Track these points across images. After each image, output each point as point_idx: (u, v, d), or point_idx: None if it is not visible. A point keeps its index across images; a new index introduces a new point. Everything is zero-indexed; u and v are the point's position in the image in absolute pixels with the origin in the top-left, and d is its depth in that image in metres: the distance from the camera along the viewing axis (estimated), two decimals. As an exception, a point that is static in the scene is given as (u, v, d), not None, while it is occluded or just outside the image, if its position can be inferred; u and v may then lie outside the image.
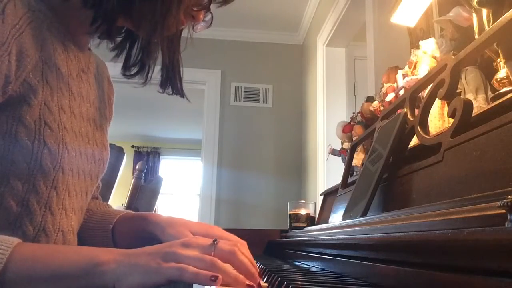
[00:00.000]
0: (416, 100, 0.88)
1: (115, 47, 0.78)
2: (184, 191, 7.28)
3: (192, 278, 0.49)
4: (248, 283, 0.53)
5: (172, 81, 0.80)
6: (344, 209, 0.99)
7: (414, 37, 1.70)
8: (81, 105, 0.71)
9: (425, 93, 0.86)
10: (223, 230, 0.77)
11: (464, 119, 0.62)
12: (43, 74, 0.62)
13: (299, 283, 0.54)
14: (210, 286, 0.50)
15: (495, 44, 0.77)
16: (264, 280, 0.63)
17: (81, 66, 0.73)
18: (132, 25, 0.70)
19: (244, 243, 0.70)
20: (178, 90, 0.81)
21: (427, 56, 1.19)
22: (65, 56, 0.67)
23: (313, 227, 1.39)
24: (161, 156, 7.47)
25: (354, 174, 1.46)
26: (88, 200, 0.77)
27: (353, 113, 1.91)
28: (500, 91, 0.80)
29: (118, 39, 0.78)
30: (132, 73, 0.78)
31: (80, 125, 0.70)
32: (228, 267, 0.53)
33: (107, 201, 1.47)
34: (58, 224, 0.66)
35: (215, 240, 0.56)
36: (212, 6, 0.77)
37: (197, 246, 0.54)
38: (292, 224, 1.73)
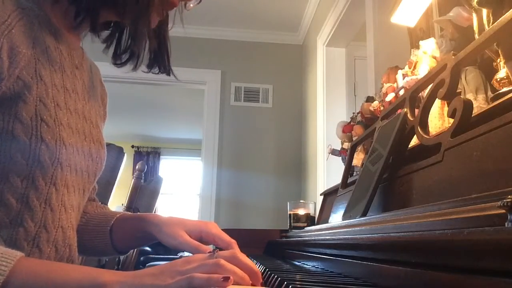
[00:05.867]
0: (416, 100, 0.88)
1: (106, 39, 0.78)
2: (184, 191, 7.28)
3: (203, 283, 0.49)
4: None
5: (159, 62, 0.80)
6: (344, 209, 0.99)
7: (414, 37, 1.70)
8: (77, 102, 0.71)
9: (425, 93, 0.86)
10: (218, 227, 0.78)
11: (464, 119, 0.62)
12: (36, 71, 0.62)
13: (299, 283, 0.54)
14: (221, 287, 0.50)
15: (495, 44, 0.77)
16: (264, 279, 0.63)
17: (75, 62, 0.73)
18: (117, 15, 0.71)
19: (235, 242, 0.73)
20: (165, 69, 0.81)
21: (427, 56, 1.19)
22: (58, 53, 0.68)
23: (313, 227, 1.39)
24: (161, 156, 7.47)
25: (354, 174, 1.46)
26: (85, 198, 0.77)
27: (353, 113, 1.91)
28: (500, 91, 0.80)
29: (106, 33, 0.78)
30: (122, 61, 0.78)
31: (76, 121, 0.70)
32: (234, 267, 0.54)
33: (107, 201, 1.47)
34: (58, 221, 0.66)
35: (214, 250, 0.57)
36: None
37: (198, 259, 0.54)
38: (292, 224, 1.73)
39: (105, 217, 0.85)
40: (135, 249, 2.00)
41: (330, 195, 1.62)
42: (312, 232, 1.19)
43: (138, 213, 0.87)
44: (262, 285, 0.58)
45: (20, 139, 0.59)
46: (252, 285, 0.55)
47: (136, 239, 0.84)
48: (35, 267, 0.51)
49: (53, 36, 0.67)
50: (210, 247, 0.71)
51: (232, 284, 0.51)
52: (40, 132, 0.61)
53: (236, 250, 0.68)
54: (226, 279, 0.50)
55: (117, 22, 0.78)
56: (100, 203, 0.93)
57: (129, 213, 0.90)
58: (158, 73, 0.81)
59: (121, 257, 2.12)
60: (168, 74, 0.81)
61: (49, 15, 0.67)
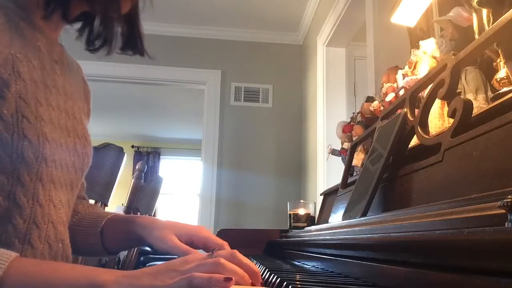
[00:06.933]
0: (416, 100, 0.88)
1: (80, 29, 0.79)
2: (184, 191, 7.28)
3: (204, 283, 0.48)
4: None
5: (132, 45, 0.80)
6: (344, 209, 0.99)
7: (414, 37, 1.70)
8: (58, 98, 0.71)
9: (425, 93, 0.86)
10: (208, 231, 0.78)
11: (464, 119, 0.62)
12: (14, 68, 0.62)
13: (299, 283, 0.54)
14: None
15: (495, 44, 0.77)
16: (264, 280, 0.63)
17: (54, 58, 0.73)
18: (87, 5, 0.72)
19: (226, 243, 0.74)
20: (138, 51, 0.81)
21: (427, 56, 1.19)
22: (36, 49, 0.68)
23: (313, 227, 1.39)
24: (161, 156, 7.47)
25: (354, 174, 1.46)
26: (74, 194, 0.77)
27: (353, 113, 1.91)
28: (500, 91, 0.80)
29: (79, 22, 0.79)
30: (96, 47, 0.79)
31: (59, 117, 0.70)
32: (234, 265, 0.53)
33: (107, 201, 1.47)
34: (47, 216, 0.66)
35: (213, 250, 0.57)
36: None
37: (196, 259, 0.54)
38: (292, 224, 1.73)
39: (95, 218, 0.85)
40: (135, 249, 2.00)
41: (330, 195, 1.62)
42: (312, 232, 1.19)
43: (130, 215, 0.87)
44: (262, 285, 0.58)
45: (2, 136, 0.59)
46: (252, 284, 0.55)
47: (126, 241, 0.84)
48: (30, 267, 0.51)
49: (31, 33, 0.68)
50: (201, 251, 0.71)
51: (228, 276, 0.50)
52: (21, 129, 0.60)
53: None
54: (228, 279, 0.49)
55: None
56: (92, 201, 0.92)
57: (121, 214, 0.90)
58: (132, 55, 0.81)
59: (121, 257, 2.12)
60: (142, 55, 0.82)
61: (26, 11, 0.68)
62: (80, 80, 0.86)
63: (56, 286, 0.49)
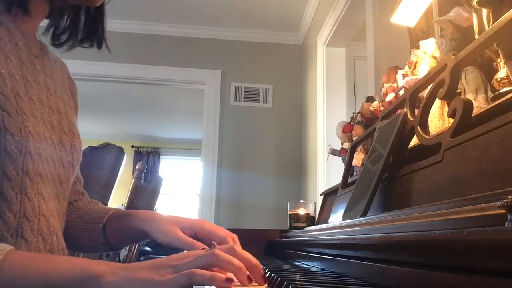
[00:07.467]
0: (416, 100, 0.88)
1: (48, 26, 0.80)
2: (184, 191, 7.28)
3: (204, 281, 0.47)
4: (249, 274, 0.54)
5: (91, 38, 0.82)
6: (344, 209, 0.99)
7: (414, 37, 1.70)
8: (40, 93, 0.71)
9: (425, 93, 0.86)
10: (211, 224, 0.78)
11: (464, 119, 0.62)
12: None
13: (299, 283, 0.54)
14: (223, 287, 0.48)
15: (495, 44, 0.77)
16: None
17: (33, 53, 0.73)
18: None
19: (235, 236, 0.73)
20: (98, 43, 0.83)
21: (427, 56, 1.19)
22: (13, 45, 0.68)
23: (313, 227, 1.39)
24: (161, 156, 7.47)
25: (354, 174, 1.46)
26: (64, 190, 0.76)
27: (353, 113, 1.91)
28: (500, 91, 0.80)
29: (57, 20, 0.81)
30: (61, 41, 0.81)
31: (42, 111, 0.70)
32: (230, 256, 0.53)
33: (107, 201, 1.47)
34: (38, 209, 0.65)
35: (213, 244, 0.57)
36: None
37: (194, 254, 0.53)
38: (292, 224, 1.73)
39: (97, 214, 0.85)
40: (136, 249, 2.00)
41: (330, 195, 1.62)
42: (312, 232, 1.19)
43: (132, 210, 0.87)
44: (264, 279, 0.57)
45: None
46: (249, 279, 0.55)
47: (129, 236, 0.84)
48: (25, 260, 0.50)
49: (6, 29, 0.68)
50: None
51: (230, 277, 0.50)
52: (3, 122, 0.60)
53: (233, 243, 0.68)
54: (229, 280, 0.49)
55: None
56: (92, 199, 0.92)
57: (123, 209, 0.90)
58: (87, 47, 0.83)
59: (121, 257, 2.13)
60: (99, 48, 0.84)
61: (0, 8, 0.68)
62: (65, 76, 0.86)
63: (51, 278, 0.49)
